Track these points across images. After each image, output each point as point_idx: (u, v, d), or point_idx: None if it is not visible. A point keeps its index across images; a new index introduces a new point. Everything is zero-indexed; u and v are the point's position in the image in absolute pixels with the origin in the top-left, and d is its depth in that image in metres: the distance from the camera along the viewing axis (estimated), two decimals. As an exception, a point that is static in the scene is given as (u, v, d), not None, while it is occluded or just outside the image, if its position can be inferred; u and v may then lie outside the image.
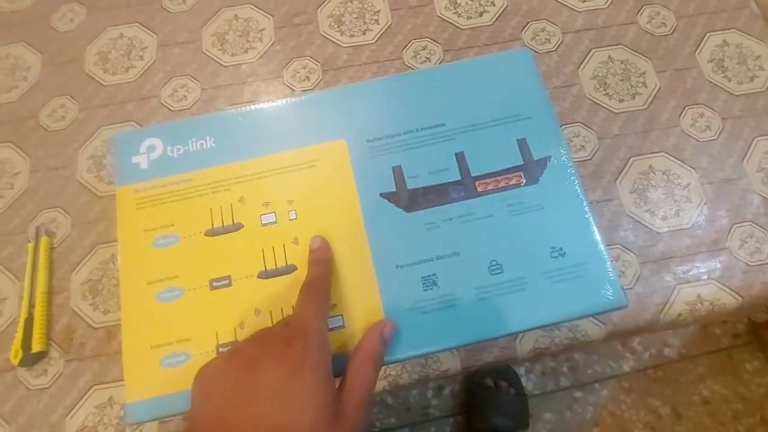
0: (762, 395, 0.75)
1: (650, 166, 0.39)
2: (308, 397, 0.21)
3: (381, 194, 0.30)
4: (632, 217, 0.37)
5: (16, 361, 0.35)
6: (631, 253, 0.36)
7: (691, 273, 0.36)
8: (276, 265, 0.29)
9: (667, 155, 0.39)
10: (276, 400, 0.20)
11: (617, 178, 0.38)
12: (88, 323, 0.36)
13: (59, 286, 0.37)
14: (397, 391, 0.35)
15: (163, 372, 0.27)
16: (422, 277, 0.29)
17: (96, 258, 0.37)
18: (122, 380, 0.28)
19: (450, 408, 0.76)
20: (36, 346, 0.35)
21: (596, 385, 0.77)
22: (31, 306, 0.36)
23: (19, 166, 0.41)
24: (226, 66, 0.43)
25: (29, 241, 0.38)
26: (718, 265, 0.36)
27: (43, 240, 0.38)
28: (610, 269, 0.29)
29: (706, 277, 0.36)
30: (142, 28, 0.45)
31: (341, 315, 0.28)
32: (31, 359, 0.35)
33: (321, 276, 0.27)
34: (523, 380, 0.76)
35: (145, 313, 0.29)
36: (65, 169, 0.40)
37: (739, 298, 0.35)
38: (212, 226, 0.30)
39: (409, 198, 0.30)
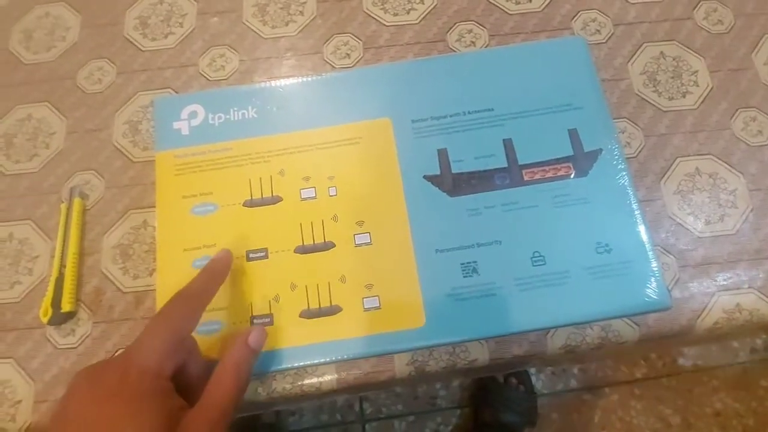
0: (775, 412, 0.74)
1: (696, 168, 0.38)
2: (124, 423, 0.18)
3: (425, 176, 0.30)
4: (674, 219, 0.36)
5: (45, 319, 0.35)
6: (671, 256, 0.35)
7: (731, 281, 0.35)
8: (314, 241, 0.29)
9: (714, 158, 0.38)
10: (83, 428, 0.19)
11: (662, 178, 0.37)
12: (117, 287, 0.36)
13: (90, 247, 0.37)
14: (422, 378, 0.35)
15: (197, 339, 0.27)
16: (462, 264, 0.28)
17: (128, 223, 0.37)
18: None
19: (458, 400, 0.76)
20: (65, 306, 0.35)
21: (606, 389, 0.77)
22: (62, 266, 0.36)
23: (56, 126, 0.41)
24: (265, 38, 0.42)
25: (62, 202, 0.38)
26: (761, 275, 0.35)
27: (77, 201, 0.37)
28: (656, 269, 0.28)
29: (746, 286, 0.35)
30: (183, -6, 0.44)
31: (377, 296, 0.28)
32: (60, 318, 0.35)
33: (199, 289, 0.25)
34: (534, 379, 0.76)
35: (181, 279, 0.28)
36: (101, 132, 0.40)
37: (780, 309, 0.34)
38: (251, 197, 0.30)
39: (453, 182, 0.30)
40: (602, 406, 0.75)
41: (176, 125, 0.31)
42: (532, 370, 0.77)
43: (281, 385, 0.33)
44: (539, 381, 0.77)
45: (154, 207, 0.34)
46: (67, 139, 0.40)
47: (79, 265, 0.36)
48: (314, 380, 0.33)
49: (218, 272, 0.26)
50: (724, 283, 0.35)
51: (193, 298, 0.24)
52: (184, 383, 0.23)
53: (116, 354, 0.22)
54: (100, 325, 0.35)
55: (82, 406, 0.19)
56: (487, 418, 0.69)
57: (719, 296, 0.35)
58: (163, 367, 0.21)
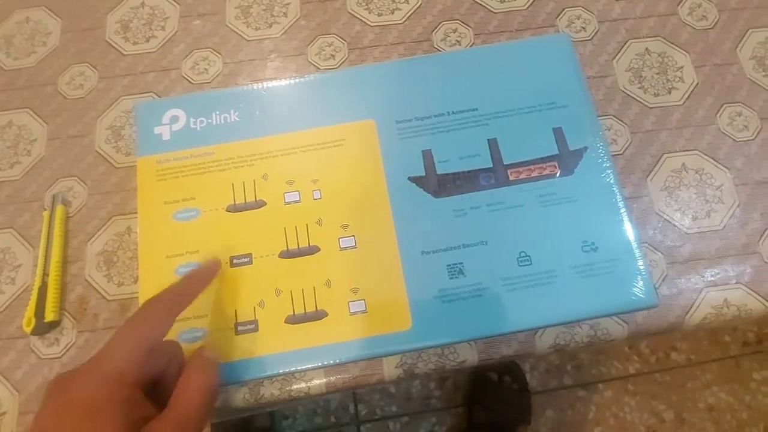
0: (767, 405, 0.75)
1: (683, 164, 0.38)
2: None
3: (409, 178, 0.30)
4: (661, 216, 0.36)
5: (28, 330, 0.34)
6: (659, 253, 0.35)
7: (719, 276, 0.35)
8: (298, 245, 0.29)
9: (701, 154, 0.38)
10: None
11: (648, 174, 0.37)
12: (101, 294, 0.35)
13: (74, 255, 0.37)
14: (410, 380, 0.35)
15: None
16: (448, 265, 0.28)
17: (112, 229, 0.37)
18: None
19: (452, 399, 0.76)
20: (49, 315, 0.34)
21: (600, 386, 0.77)
22: (45, 275, 0.35)
23: (37, 133, 0.40)
24: (249, 40, 0.42)
25: (45, 209, 0.37)
26: (748, 270, 0.35)
27: (59, 208, 0.37)
28: (642, 267, 0.28)
29: (734, 281, 0.35)
30: (165, -3, 0.44)
31: (363, 300, 0.28)
32: (43, 328, 0.34)
33: (174, 297, 0.24)
34: (528, 377, 0.76)
35: (164, 286, 0.28)
36: (83, 138, 0.40)
37: (768, 304, 0.34)
38: (234, 202, 0.29)
39: (438, 183, 0.29)
40: (596, 403, 0.75)
41: (157, 130, 0.31)
42: (527, 368, 0.77)
43: (269, 391, 0.33)
44: (533, 379, 0.77)
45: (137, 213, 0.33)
46: (48, 145, 0.39)
47: (63, 273, 0.36)
48: (302, 385, 0.32)
49: (199, 279, 0.25)
50: (712, 278, 0.35)
51: (166, 303, 0.24)
52: (166, 390, 0.22)
53: (70, 369, 0.21)
54: (85, 333, 0.35)
55: (48, 416, 0.19)
56: (481, 418, 0.69)
57: (707, 292, 0.35)
58: (128, 374, 0.20)
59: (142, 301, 0.28)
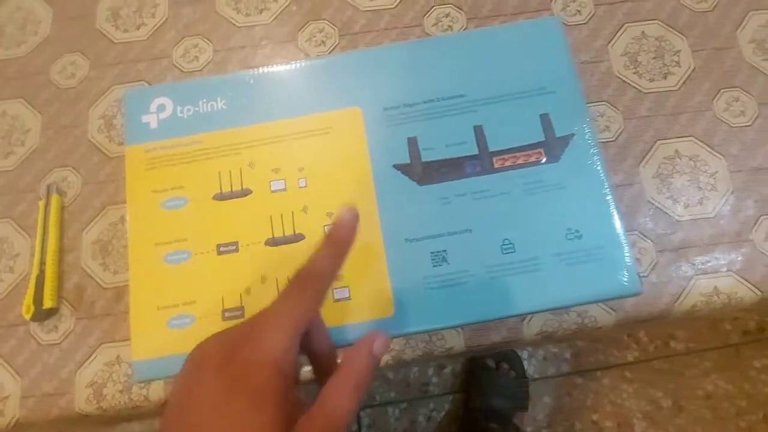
0: (767, 394, 0.75)
1: (676, 151, 0.37)
2: (244, 421, 0.17)
3: (394, 165, 0.29)
4: (653, 204, 0.36)
5: (28, 316, 0.35)
6: (649, 241, 0.35)
7: (709, 264, 0.35)
8: (284, 233, 0.29)
9: (695, 140, 0.37)
10: (213, 417, 0.18)
11: (641, 161, 0.37)
12: (97, 282, 0.36)
13: (70, 244, 0.37)
14: (399, 366, 0.35)
15: (169, 333, 0.28)
16: (432, 253, 0.28)
17: (106, 218, 0.37)
18: (129, 340, 0.28)
19: (450, 386, 0.77)
20: (47, 302, 0.35)
21: (598, 373, 0.77)
22: (42, 263, 0.36)
23: (30, 123, 0.40)
24: (239, 27, 0.42)
25: (41, 199, 0.38)
26: (740, 258, 0.35)
27: (54, 198, 0.38)
28: (627, 254, 0.28)
29: (725, 269, 0.35)
30: (155, -16, 0.43)
31: (347, 287, 0.28)
32: (42, 315, 0.35)
33: (326, 266, 0.21)
34: (525, 364, 0.77)
35: (152, 274, 0.29)
36: (76, 128, 0.40)
37: (759, 292, 0.34)
38: (221, 190, 0.30)
39: (423, 171, 0.29)
40: (594, 390, 0.76)
41: (145, 119, 0.31)
42: (525, 355, 0.78)
43: (260, 376, 0.34)
44: (531, 366, 0.77)
45: (128, 202, 0.34)
46: (42, 135, 0.40)
47: (60, 262, 0.37)
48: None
49: (342, 241, 0.22)
50: (702, 266, 0.35)
51: (317, 279, 0.21)
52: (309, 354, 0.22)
53: (225, 337, 0.20)
54: (83, 320, 0.36)
55: (214, 394, 0.18)
56: (478, 404, 0.69)
57: (697, 280, 0.34)
58: (287, 362, 0.19)
59: (133, 288, 0.28)
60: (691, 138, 0.37)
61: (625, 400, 0.76)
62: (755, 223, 0.35)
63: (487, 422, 0.68)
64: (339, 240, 0.22)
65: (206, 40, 0.41)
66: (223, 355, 0.19)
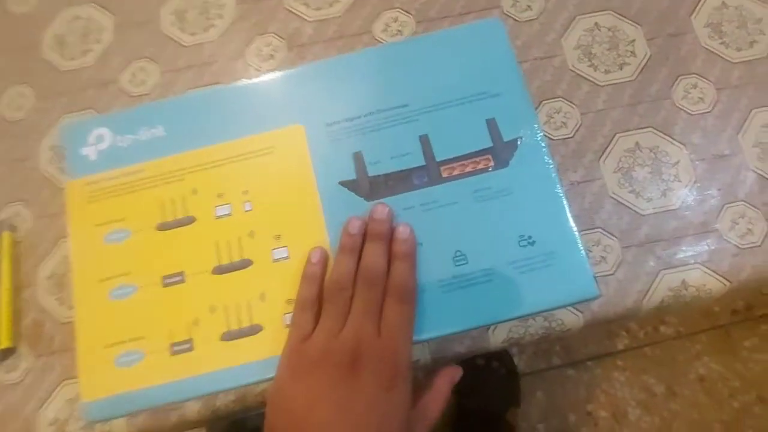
0: (759, 372, 0.74)
1: (636, 143, 0.36)
2: (398, 410, 0.23)
3: (340, 182, 0.29)
4: (615, 199, 0.35)
5: (-15, 358, 0.35)
6: (613, 238, 0.34)
7: (676, 257, 0.34)
8: (231, 260, 0.28)
9: (655, 131, 0.36)
10: (372, 409, 0.23)
11: (601, 156, 0.36)
12: (55, 318, 0.35)
13: (25, 280, 0.36)
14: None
15: (118, 371, 0.27)
16: (383, 270, 0.27)
17: (60, 252, 0.37)
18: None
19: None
20: (3, 342, 0.35)
21: (589, 363, 0.77)
22: (-2, 302, 0.35)
23: (-20, 159, 0.39)
24: (186, 46, 0.41)
25: (-7, 236, 0.37)
26: (706, 249, 0.34)
27: (6, 235, 0.37)
28: (582, 257, 0.27)
29: (692, 261, 0.34)
30: (99, 8, 0.42)
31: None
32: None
33: (411, 279, 0.26)
34: (516, 359, 0.76)
35: (98, 312, 0.28)
36: (27, 161, 0.39)
37: (727, 283, 0.33)
38: (164, 219, 0.29)
39: (370, 186, 0.28)
40: (586, 381, 0.75)
41: (84, 151, 0.30)
42: (514, 351, 0.77)
43: (224, 403, 0.33)
44: (521, 361, 0.77)
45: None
46: (-8, 171, 0.39)
47: (15, 299, 0.36)
48: (259, 390, 0.32)
49: (415, 254, 0.28)
50: (669, 260, 0.34)
51: (415, 291, 0.26)
52: None
53: (372, 343, 0.25)
54: (42, 357, 0.35)
55: (371, 390, 0.23)
56: (471, 405, 0.69)
57: (664, 274, 0.34)
58: (409, 375, 0.25)
59: (78, 326, 0.28)
60: (651, 129, 0.37)
61: (618, 389, 0.75)
62: (720, 212, 0.35)
63: (480, 421, 0.68)
64: (408, 253, 0.27)
65: (153, 62, 0.40)
66: (369, 356, 0.24)
